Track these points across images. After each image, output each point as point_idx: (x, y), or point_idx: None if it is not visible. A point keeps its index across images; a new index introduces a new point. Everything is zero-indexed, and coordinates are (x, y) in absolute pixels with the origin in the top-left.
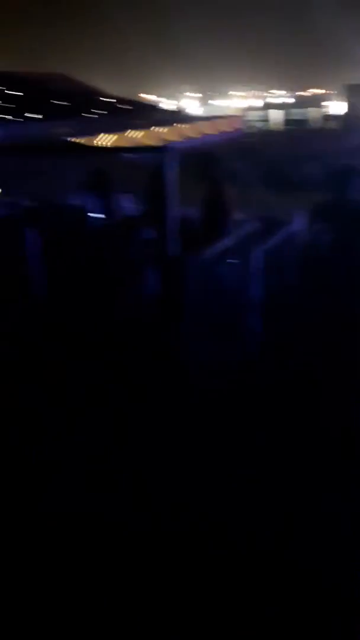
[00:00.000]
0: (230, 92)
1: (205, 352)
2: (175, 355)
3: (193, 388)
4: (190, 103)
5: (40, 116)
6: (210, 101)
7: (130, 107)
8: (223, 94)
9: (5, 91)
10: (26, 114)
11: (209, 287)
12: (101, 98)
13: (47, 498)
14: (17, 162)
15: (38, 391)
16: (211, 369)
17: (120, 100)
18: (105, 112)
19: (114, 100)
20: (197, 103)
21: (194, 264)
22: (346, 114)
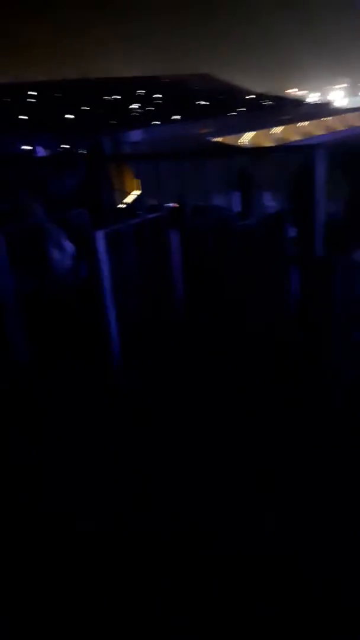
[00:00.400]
0: None
1: (356, 357)
2: (325, 358)
3: (344, 396)
4: (338, 95)
5: (182, 117)
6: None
7: (275, 103)
8: None
9: (148, 94)
10: (169, 116)
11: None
12: (246, 96)
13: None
14: (158, 164)
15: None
16: None
17: (265, 97)
18: (250, 110)
19: (259, 97)
20: (343, 94)
21: (344, 265)
22: None
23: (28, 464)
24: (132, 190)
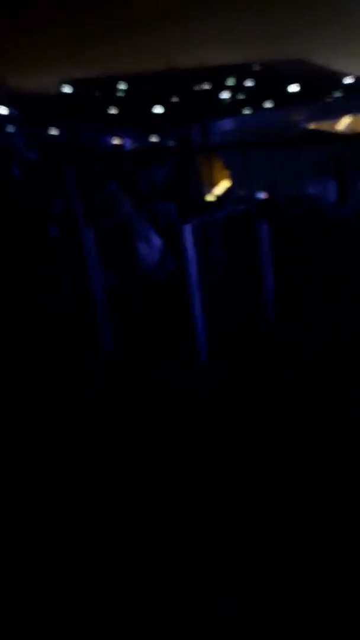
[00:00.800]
0: None
1: None
2: None
3: None
4: None
5: (274, 105)
6: None
7: None
8: None
9: (239, 82)
10: (260, 104)
11: None
12: (343, 81)
13: None
14: (249, 154)
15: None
16: None
17: None
18: (347, 94)
19: (358, 81)
20: None
21: None
22: None
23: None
24: (222, 181)
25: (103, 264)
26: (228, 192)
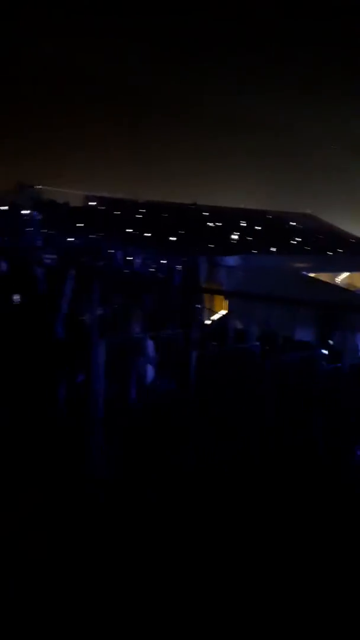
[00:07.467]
0: None
1: None
2: None
3: None
4: None
5: (279, 250)
6: None
7: None
8: None
9: (250, 225)
10: (266, 247)
11: None
12: (346, 238)
13: None
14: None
15: None
16: None
17: None
18: (350, 252)
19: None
20: None
21: None
22: None
23: None
24: (220, 309)
25: (107, 376)
26: (226, 321)
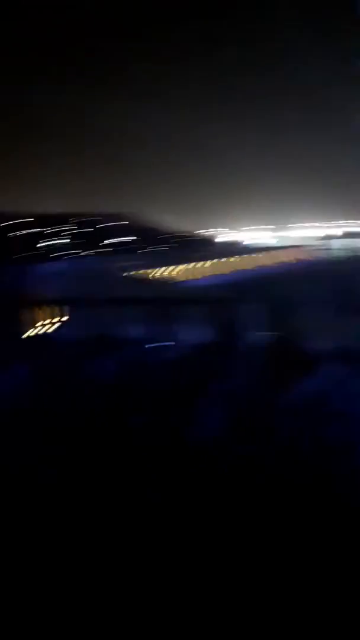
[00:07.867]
0: (292, 225)
1: None
2: None
3: None
4: (251, 235)
5: (97, 251)
6: (279, 233)
7: (190, 240)
8: (288, 226)
9: (72, 230)
10: (88, 250)
11: None
12: (163, 235)
13: None
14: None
15: None
16: None
17: (182, 236)
18: (167, 247)
19: (176, 235)
20: (268, 234)
21: None
22: None
23: None
24: (53, 319)
25: None
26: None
